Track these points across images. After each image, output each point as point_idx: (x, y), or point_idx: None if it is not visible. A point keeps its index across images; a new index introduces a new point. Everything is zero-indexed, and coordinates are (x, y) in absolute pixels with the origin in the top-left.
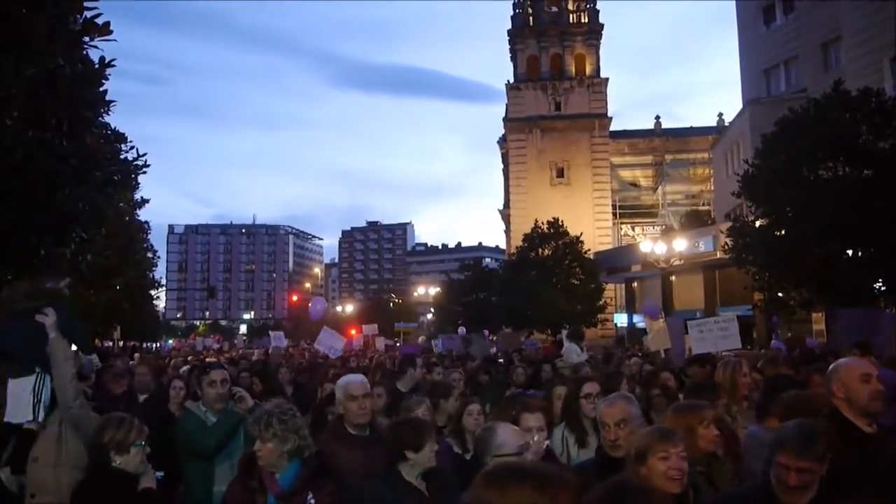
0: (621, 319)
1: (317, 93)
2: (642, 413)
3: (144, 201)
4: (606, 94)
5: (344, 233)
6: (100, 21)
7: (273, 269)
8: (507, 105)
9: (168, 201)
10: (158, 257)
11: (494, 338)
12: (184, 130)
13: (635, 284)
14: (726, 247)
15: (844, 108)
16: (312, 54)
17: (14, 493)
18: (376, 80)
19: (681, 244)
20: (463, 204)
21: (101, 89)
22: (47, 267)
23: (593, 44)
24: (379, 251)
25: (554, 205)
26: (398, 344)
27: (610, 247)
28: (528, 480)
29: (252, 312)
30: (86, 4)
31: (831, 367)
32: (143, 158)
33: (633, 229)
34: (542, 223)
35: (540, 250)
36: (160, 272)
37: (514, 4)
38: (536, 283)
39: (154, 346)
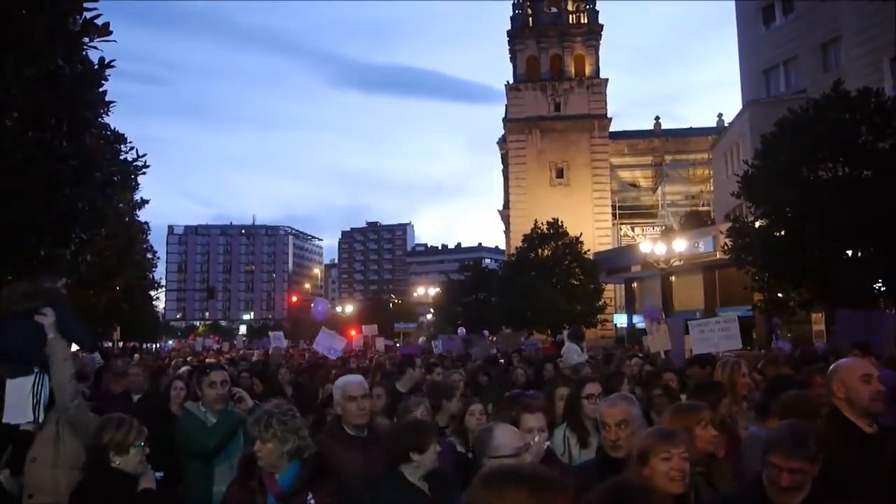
0: (621, 320)
1: (317, 93)
2: (643, 413)
3: (144, 202)
4: (606, 95)
5: (344, 233)
6: (99, 22)
7: (273, 270)
8: (506, 106)
9: (168, 202)
10: (158, 258)
11: (494, 338)
12: (183, 131)
13: (635, 285)
14: (726, 247)
15: (844, 109)
16: (312, 54)
17: (14, 495)
18: (376, 81)
19: (680, 245)
20: (463, 204)
21: (100, 90)
22: (47, 267)
23: (593, 44)
24: (379, 252)
25: (554, 205)
26: (398, 345)
27: (610, 247)
28: (524, 483)
29: (252, 313)
30: (85, 5)
31: (832, 367)
32: (143, 159)
33: (633, 230)
34: (542, 224)
35: (540, 251)
36: (160, 273)
37: (513, 5)
38: (536, 283)
39: (154, 346)
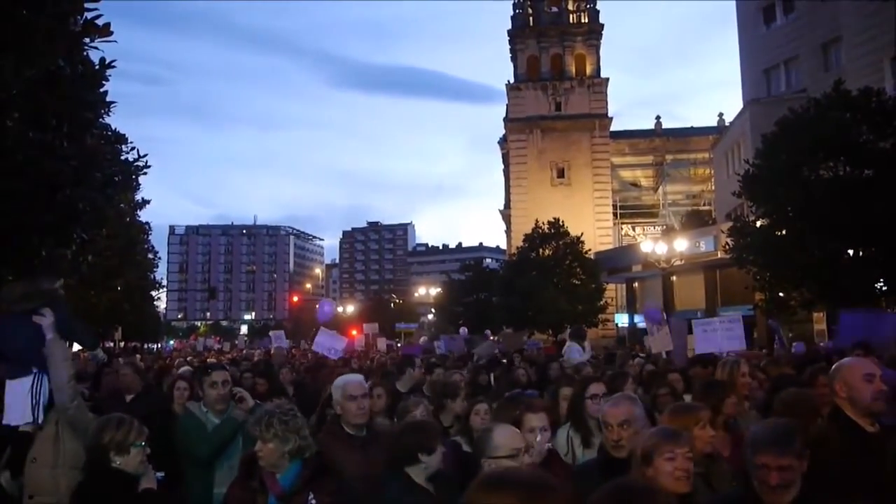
0: (622, 319)
1: (318, 93)
2: (647, 413)
3: (145, 202)
4: (607, 95)
5: (345, 233)
6: (100, 22)
7: (274, 270)
8: (507, 105)
9: (169, 202)
10: (159, 258)
11: (497, 338)
12: (184, 131)
13: (636, 284)
14: (727, 247)
15: (845, 108)
16: (313, 54)
17: (14, 496)
18: (377, 81)
19: (681, 244)
20: (463, 204)
21: (101, 90)
22: (48, 268)
23: (593, 44)
24: (380, 251)
25: (554, 205)
26: (399, 344)
27: (611, 247)
28: (517, 488)
29: (253, 313)
30: (86, 5)
31: (834, 366)
32: (144, 159)
33: (634, 229)
34: (543, 223)
35: (541, 250)
36: (161, 273)
37: (514, 5)
38: (537, 283)
39: (155, 346)
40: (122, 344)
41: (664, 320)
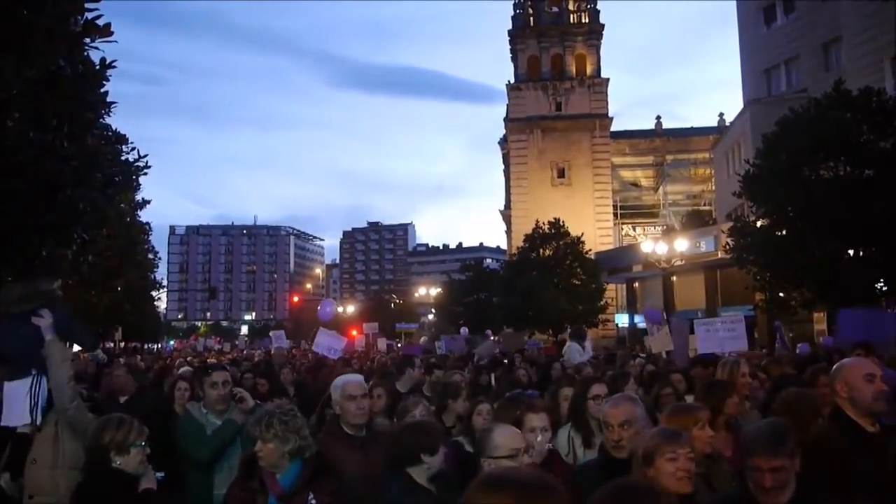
0: (622, 320)
1: (318, 93)
2: (649, 413)
3: (145, 202)
4: (607, 95)
5: (345, 233)
6: (101, 22)
7: (274, 270)
8: (507, 105)
9: (169, 202)
10: (159, 258)
11: (498, 339)
12: (184, 131)
13: (636, 285)
14: (727, 247)
15: (845, 108)
16: (313, 55)
17: (15, 498)
18: (377, 81)
19: (682, 244)
20: (464, 204)
21: (102, 90)
22: (49, 268)
23: (594, 44)
24: (380, 252)
25: (555, 205)
26: (399, 345)
27: (611, 247)
28: (513, 489)
29: (253, 313)
30: (87, 5)
31: (835, 366)
32: (145, 159)
33: (635, 229)
34: (543, 223)
35: (541, 251)
36: (161, 273)
37: (514, 5)
38: (537, 283)
39: (156, 346)
40: (122, 344)
41: (664, 321)
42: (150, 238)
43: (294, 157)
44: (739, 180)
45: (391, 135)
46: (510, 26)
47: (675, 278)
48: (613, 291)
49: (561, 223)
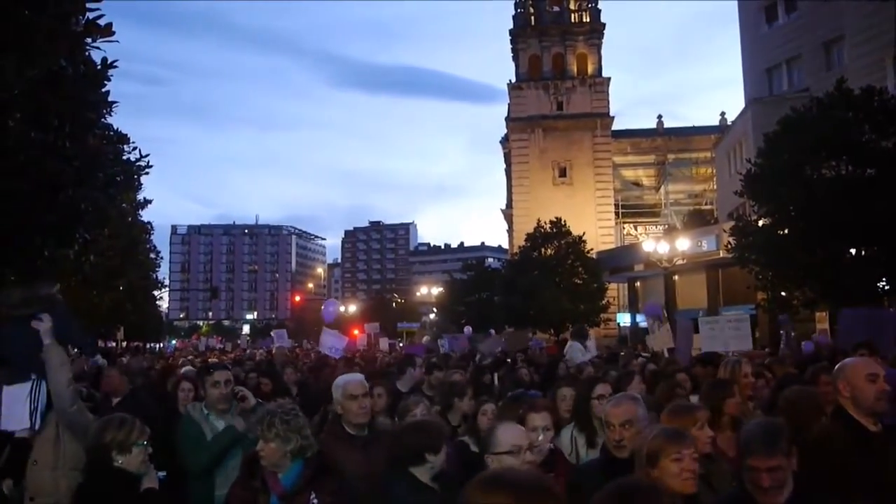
0: (624, 319)
1: (319, 93)
2: (656, 412)
3: (147, 202)
4: (608, 94)
5: (347, 233)
6: (102, 22)
7: (276, 270)
8: (509, 105)
9: (171, 202)
10: (161, 258)
11: (502, 337)
12: (186, 131)
13: (638, 284)
14: (729, 246)
15: (847, 107)
16: (314, 54)
17: (16, 500)
18: (378, 80)
19: (684, 243)
20: (465, 204)
21: (103, 90)
22: (50, 268)
23: (595, 43)
24: (381, 251)
25: (556, 204)
26: (400, 344)
27: (613, 246)
28: (510, 489)
29: (255, 313)
30: (88, 5)
31: (838, 366)
32: (146, 159)
33: (636, 229)
34: (545, 223)
35: (542, 250)
36: (163, 273)
37: (515, 4)
38: (539, 282)
39: (158, 346)
40: (124, 344)
41: (665, 318)
42: (152, 238)
43: (295, 157)
44: (741, 179)
45: (392, 134)
46: (511, 25)
47: (676, 278)
48: (615, 291)
49: (562, 222)
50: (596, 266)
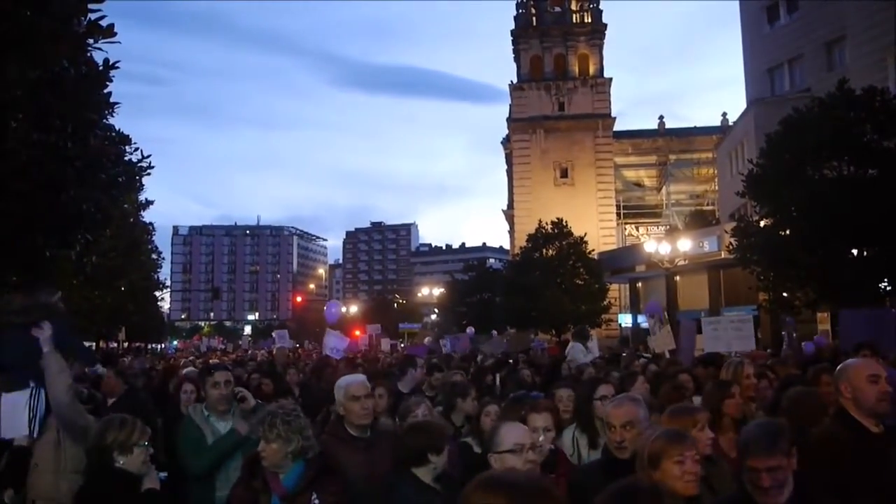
0: (625, 320)
1: (320, 93)
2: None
3: (149, 203)
4: (610, 94)
5: (348, 233)
6: (104, 23)
7: (277, 271)
8: (510, 105)
9: (172, 203)
10: (163, 258)
11: (505, 338)
12: (187, 132)
13: (639, 285)
14: (731, 247)
15: (849, 107)
16: (315, 55)
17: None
18: (380, 81)
19: (685, 244)
20: (467, 204)
21: (105, 91)
22: (52, 269)
23: (596, 43)
24: (383, 252)
25: (558, 205)
26: (401, 345)
27: (614, 247)
28: (508, 490)
29: (257, 313)
30: (90, 6)
31: (839, 367)
32: (148, 160)
33: (638, 229)
34: (546, 223)
35: (544, 251)
36: (165, 273)
37: (517, 4)
38: (540, 283)
39: (159, 347)
40: (125, 344)
41: (665, 319)
42: (154, 238)
43: (297, 158)
44: (743, 180)
45: (394, 135)
46: (513, 26)
47: (678, 278)
48: (616, 291)
49: (564, 223)
50: (597, 267)
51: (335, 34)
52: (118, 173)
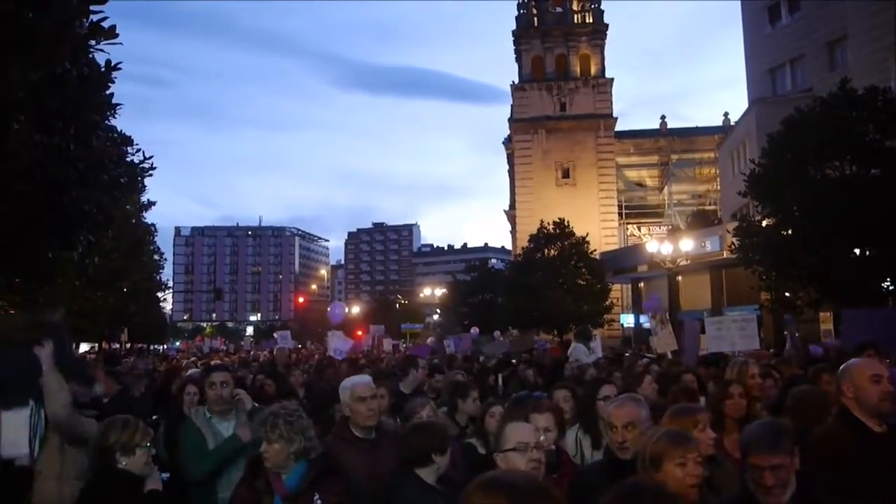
0: (627, 320)
1: (322, 94)
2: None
3: (151, 204)
4: (611, 95)
5: (350, 234)
6: (106, 24)
7: (279, 271)
8: (512, 106)
9: (174, 204)
10: (165, 259)
11: (507, 339)
12: (189, 133)
13: (642, 285)
14: (733, 246)
15: (851, 107)
16: (317, 56)
17: None
18: (381, 82)
19: (687, 244)
20: (468, 205)
21: (107, 92)
22: (54, 269)
23: (598, 44)
24: (385, 252)
25: (560, 205)
26: (403, 346)
27: (616, 247)
28: (508, 491)
29: (258, 314)
30: (92, 8)
31: (842, 366)
32: (150, 161)
33: (640, 229)
34: (548, 224)
35: (546, 251)
36: (167, 274)
37: (518, 5)
38: (542, 283)
39: (161, 348)
40: (128, 345)
41: (667, 318)
42: (156, 239)
43: (299, 158)
44: (745, 180)
45: (396, 135)
46: (514, 26)
47: (680, 278)
48: (618, 292)
49: (566, 223)
50: (599, 267)
51: (337, 35)
52: (120, 174)
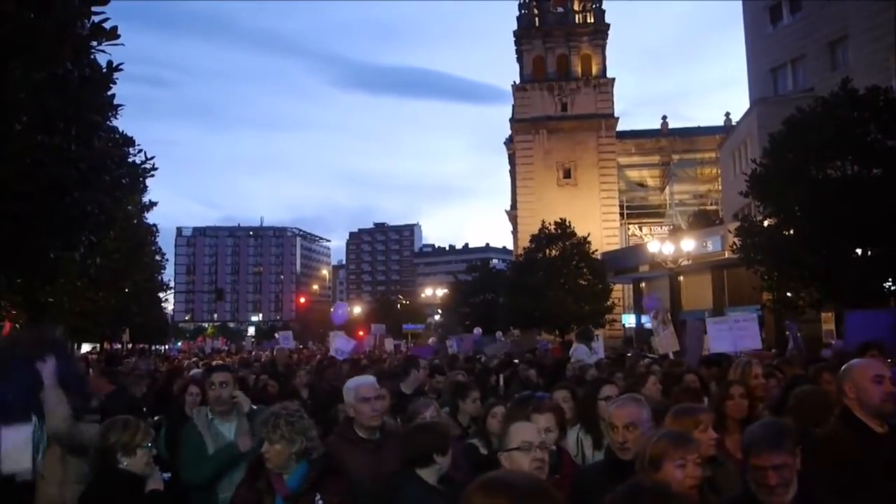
0: (629, 320)
1: (323, 94)
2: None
3: (153, 204)
4: (613, 95)
5: (351, 234)
6: (107, 25)
7: (281, 272)
8: (513, 106)
9: (176, 204)
10: (167, 260)
11: (509, 339)
12: (190, 133)
13: (643, 285)
14: (734, 247)
15: (852, 107)
16: (318, 56)
17: None
18: (382, 82)
19: (689, 244)
20: (470, 205)
21: (109, 93)
22: (55, 270)
23: (599, 44)
24: (386, 252)
25: (561, 205)
26: (406, 346)
27: (617, 247)
28: (509, 491)
29: (260, 314)
30: (93, 9)
31: (844, 367)
32: (151, 161)
33: (641, 229)
34: (550, 224)
35: (547, 251)
36: (168, 275)
37: (519, 5)
38: (543, 283)
39: (163, 348)
40: (129, 346)
41: (668, 318)
42: (158, 240)
43: (300, 159)
44: (746, 180)
45: (397, 136)
46: (515, 27)
47: (681, 278)
48: (620, 292)
49: (567, 223)
50: (601, 267)
51: (338, 35)
52: (122, 175)
